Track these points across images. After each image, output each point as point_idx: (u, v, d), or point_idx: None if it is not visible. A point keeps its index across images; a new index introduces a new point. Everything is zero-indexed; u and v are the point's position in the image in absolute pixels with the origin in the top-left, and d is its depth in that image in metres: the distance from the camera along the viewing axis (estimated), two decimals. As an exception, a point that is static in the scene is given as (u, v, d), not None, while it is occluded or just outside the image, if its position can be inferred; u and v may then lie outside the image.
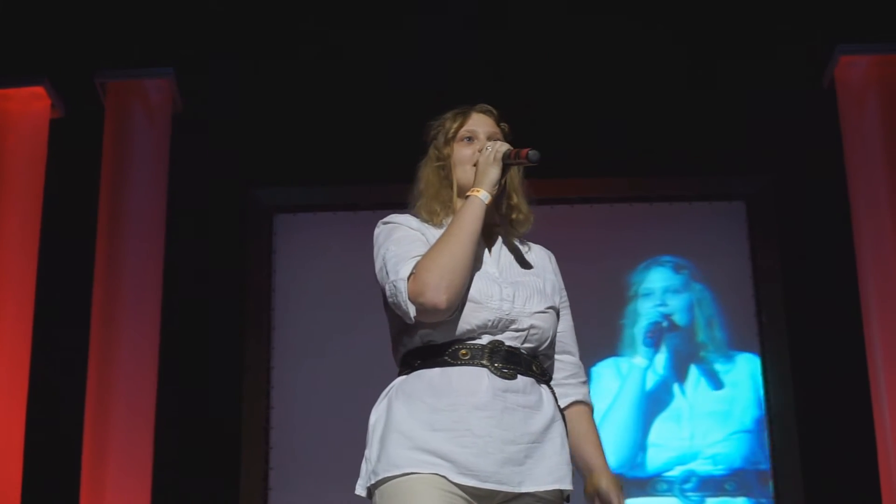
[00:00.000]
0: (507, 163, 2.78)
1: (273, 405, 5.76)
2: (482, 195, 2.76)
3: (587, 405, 2.90)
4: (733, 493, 5.61)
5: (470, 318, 2.72)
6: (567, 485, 2.72)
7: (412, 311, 2.68)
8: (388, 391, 2.81)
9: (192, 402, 5.50)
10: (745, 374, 5.79)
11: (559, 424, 2.76)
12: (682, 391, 5.72)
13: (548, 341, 2.80)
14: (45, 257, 5.35)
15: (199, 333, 5.59)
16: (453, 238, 2.72)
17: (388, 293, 2.76)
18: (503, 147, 2.80)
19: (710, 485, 5.62)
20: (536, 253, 2.97)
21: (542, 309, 2.79)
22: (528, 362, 2.75)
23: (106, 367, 5.26)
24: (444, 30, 5.44)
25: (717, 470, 5.63)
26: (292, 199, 5.98)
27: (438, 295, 2.64)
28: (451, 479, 2.61)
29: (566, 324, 2.95)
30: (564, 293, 2.98)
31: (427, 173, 2.96)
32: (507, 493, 2.65)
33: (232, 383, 5.67)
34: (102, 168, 5.51)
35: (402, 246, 2.80)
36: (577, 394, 2.89)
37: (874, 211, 5.34)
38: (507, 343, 2.73)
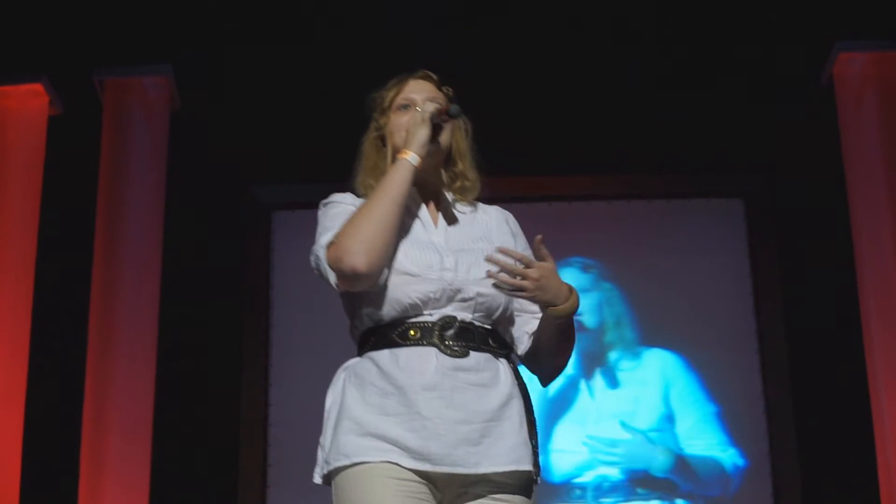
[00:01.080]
0: (435, 122, 2.72)
1: (271, 402, 5.76)
2: (410, 157, 2.69)
3: None
4: (646, 497, 5.59)
5: (409, 292, 2.65)
6: (526, 465, 2.63)
7: (332, 277, 2.65)
8: (342, 371, 2.76)
9: (191, 400, 5.49)
10: (654, 372, 5.77)
11: (517, 401, 2.67)
12: (591, 392, 5.71)
13: (500, 309, 2.71)
14: (43, 255, 5.33)
15: (198, 330, 5.58)
16: (374, 201, 2.66)
17: (312, 264, 2.72)
18: (431, 107, 2.75)
19: (622, 489, 5.59)
20: (492, 216, 2.89)
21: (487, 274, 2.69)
22: (484, 336, 2.68)
23: (104, 365, 5.25)
24: (439, 29, 5.44)
25: (625, 474, 5.60)
26: (291, 196, 5.94)
27: (356, 258, 2.57)
28: (403, 464, 2.56)
29: None
30: (529, 253, 2.83)
31: (366, 147, 2.94)
32: (466, 476, 2.58)
33: (230, 381, 5.66)
34: (101, 166, 5.50)
35: (332, 220, 2.76)
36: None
37: (873, 208, 5.34)
38: (459, 317, 2.65)
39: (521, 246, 2.86)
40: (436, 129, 2.74)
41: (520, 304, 2.79)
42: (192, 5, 5.53)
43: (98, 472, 5.13)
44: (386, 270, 2.65)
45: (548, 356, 2.79)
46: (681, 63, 5.59)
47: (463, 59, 5.35)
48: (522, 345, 2.81)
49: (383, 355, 2.64)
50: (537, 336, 2.79)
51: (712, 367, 5.76)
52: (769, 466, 5.64)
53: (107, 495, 5.10)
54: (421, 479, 2.57)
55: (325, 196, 6.12)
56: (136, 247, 5.41)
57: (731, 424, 5.72)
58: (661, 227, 5.87)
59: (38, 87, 5.41)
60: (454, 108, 2.71)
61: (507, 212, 2.93)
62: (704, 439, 5.70)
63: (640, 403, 5.69)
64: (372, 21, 5.58)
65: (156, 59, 5.55)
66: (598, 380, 5.72)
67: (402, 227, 2.72)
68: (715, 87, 5.59)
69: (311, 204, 5.93)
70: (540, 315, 2.78)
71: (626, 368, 5.73)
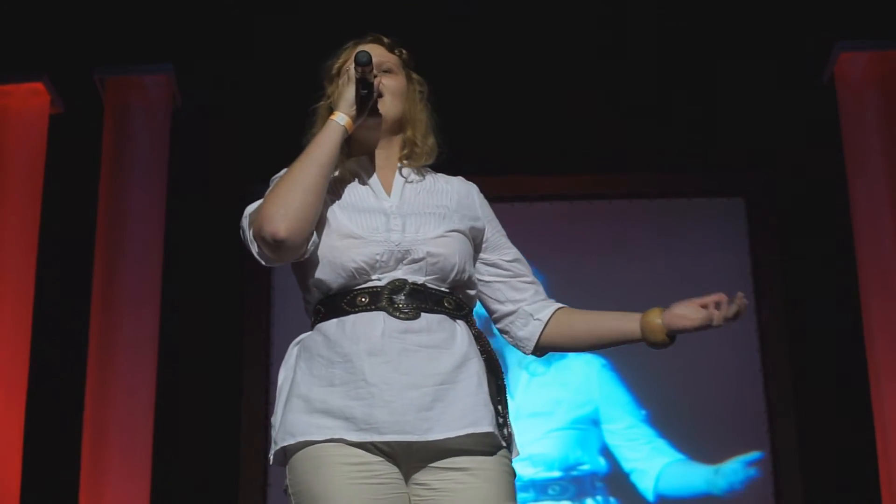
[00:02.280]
0: (360, 77, 2.58)
1: (272, 401, 5.68)
2: (337, 118, 2.59)
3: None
4: (556, 498, 5.60)
5: (354, 256, 2.53)
6: (485, 426, 2.47)
7: (254, 248, 2.54)
8: (294, 346, 2.64)
9: (191, 400, 5.49)
10: (579, 372, 5.80)
11: (475, 362, 2.53)
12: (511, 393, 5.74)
13: (455, 269, 2.59)
14: (45, 253, 5.34)
15: (199, 329, 5.58)
16: (297, 164, 2.56)
17: (241, 237, 2.63)
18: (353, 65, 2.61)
19: (534, 488, 5.60)
20: (454, 186, 2.76)
21: (439, 234, 2.59)
22: (439, 298, 2.55)
23: (105, 361, 5.26)
24: (441, 30, 5.41)
25: (540, 472, 5.60)
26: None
27: (275, 224, 2.44)
28: (348, 439, 2.42)
29: (512, 254, 2.76)
30: (497, 224, 2.77)
31: (317, 117, 2.80)
32: (422, 444, 2.44)
33: (231, 379, 5.66)
34: (102, 164, 5.50)
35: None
36: (552, 304, 2.73)
37: (874, 207, 5.34)
38: (411, 280, 2.53)
39: (482, 215, 2.75)
40: (367, 86, 2.60)
41: (494, 270, 2.74)
42: (193, 4, 5.52)
43: (99, 472, 5.13)
44: (315, 238, 2.53)
45: (562, 348, 2.75)
46: (682, 63, 5.60)
47: (463, 59, 5.37)
48: (523, 328, 2.73)
49: (331, 325, 2.53)
50: (574, 332, 2.71)
51: (712, 366, 5.77)
52: (770, 466, 5.64)
53: (107, 496, 5.10)
54: (374, 457, 2.45)
55: None
56: (137, 245, 5.40)
57: (725, 425, 5.73)
58: (662, 226, 5.86)
59: (38, 86, 5.41)
60: (359, 54, 2.57)
61: (472, 184, 2.81)
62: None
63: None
64: (373, 20, 5.55)
65: (157, 57, 5.54)
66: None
67: (348, 194, 2.64)
68: (716, 86, 5.59)
69: None
70: (524, 279, 2.74)
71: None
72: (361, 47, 2.72)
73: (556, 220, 5.75)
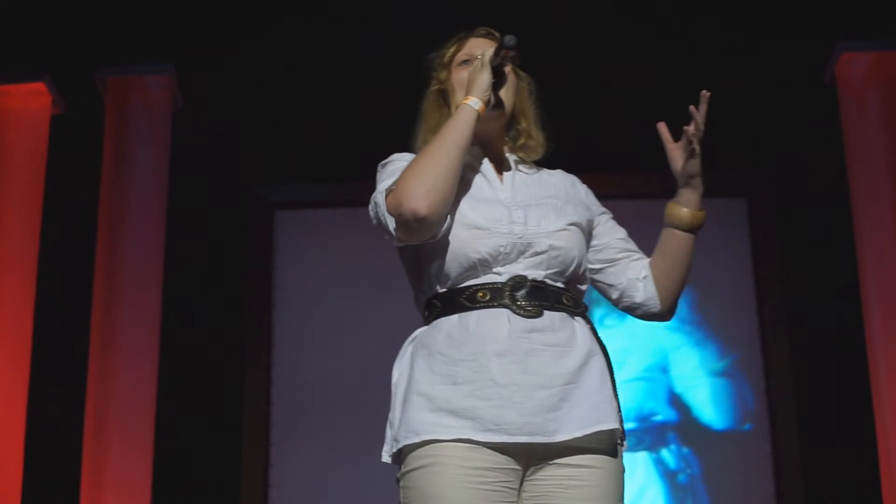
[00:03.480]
0: (494, 64, 2.61)
1: (273, 401, 5.75)
2: (472, 101, 2.58)
3: None
4: (633, 448, 5.64)
5: (478, 247, 2.52)
6: (611, 423, 2.48)
7: (391, 223, 2.52)
8: (409, 343, 2.62)
9: (192, 400, 5.50)
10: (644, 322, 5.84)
11: (598, 359, 2.54)
12: None
13: (574, 263, 2.59)
14: (46, 253, 5.35)
15: (200, 329, 5.59)
16: (435, 144, 2.54)
17: (370, 213, 2.62)
18: (490, 50, 2.63)
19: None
20: (557, 177, 2.79)
21: (561, 227, 2.59)
22: (557, 295, 2.55)
23: (106, 360, 5.27)
24: (445, 27, 5.42)
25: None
26: (293, 195, 5.97)
27: (417, 201, 2.44)
28: (475, 439, 2.42)
29: (619, 232, 2.79)
30: (601, 208, 2.80)
31: (426, 105, 2.82)
32: (547, 445, 2.45)
33: (233, 380, 5.66)
34: (103, 164, 5.51)
35: (391, 175, 2.63)
36: (641, 257, 2.78)
37: (875, 208, 5.34)
38: (531, 276, 2.52)
39: (590, 202, 2.80)
40: (498, 75, 2.63)
41: (605, 254, 2.75)
42: (195, 4, 5.54)
43: (99, 472, 5.14)
44: (449, 220, 2.52)
45: (671, 289, 2.75)
46: (683, 63, 5.57)
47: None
48: (638, 293, 2.73)
49: (451, 321, 2.52)
50: (660, 268, 2.74)
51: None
52: (771, 466, 5.64)
53: (108, 496, 5.11)
54: (499, 459, 2.45)
55: (326, 193, 5.95)
56: (139, 245, 5.41)
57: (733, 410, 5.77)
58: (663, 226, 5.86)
59: (40, 87, 5.41)
60: (508, 38, 2.59)
61: (573, 175, 2.84)
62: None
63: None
64: (374, 20, 5.58)
65: (158, 57, 5.55)
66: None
67: (466, 184, 2.62)
68: (717, 85, 5.54)
69: (314, 203, 5.95)
70: (632, 256, 2.76)
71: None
72: (473, 41, 2.78)
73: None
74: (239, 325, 5.76)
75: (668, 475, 5.66)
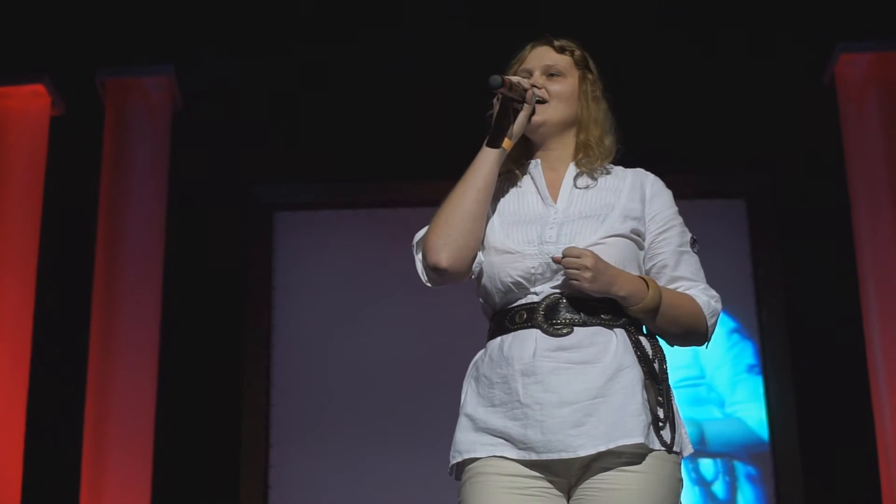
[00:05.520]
0: (501, 101, 2.65)
1: (273, 402, 5.75)
2: (489, 141, 2.66)
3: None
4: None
5: (510, 271, 2.58)
6: (635, 437, 2.47)
7: (423, 276, 2.65)
8: (472, 366, 2.70)
9: (192, 401, 5.51)
10: None
11: (630, 371, 2.52)
12: None
13: None
14: (45, 254, 5.36)
15: (200, 330, 5.59)
16: (453, 193, 2.63)
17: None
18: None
19: None
20: (627, 181, 2.73)
21: (594, 241, 2.58)
22: (594, 308, 2.56)
23: (106, 361, 5.29)
24: (442, 28, 5.42)
25: None
26: (292, 196, 5.97)
27: (437, 254, 2.57)
28: (509, 456, 2.51)
29: (670, 246, 2.68)
30: (664, 214, 2.69)
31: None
32: (583, 459, 2.48)
33: (232, 380, 5.66)
34: (102, 165, 5.53)
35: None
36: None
37: (874, 208, 5.36)
38: (566, 293, 2.55)
39: (655, 208, 2.71)
40: (511, 106, 2.65)
41: (648, 265, 2.67)
42: (194, 6, 5.55)
43: (99, 473, 5.16)
44: (489, 259, 2.62)
45: (676, 339, 2.69)
46: (682, 63, 5.60)
47: (460, 62, 5.34)
48: None
49: (495, 343, 2.60)
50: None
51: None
52: (771, 467, 5.63)
53: (108, 497, 5.12)
54: (535, 471, 2.52)
55: (325, 194, 5.97)
56: (138, 247, 5.44)
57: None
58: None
59: (39, 88, 5.43)
60: (490, 79, 2.61)
61: (647, 174, 2.78)
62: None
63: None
64: (374, 22, 5.58)
65: (158, 59, 5.57)
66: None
67: (513, 205, 2.68)
68: (717, 87, 5.60)
69: (313, 204, 5.95)
70: (667, 277, 2.67)
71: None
72: (534, 52, 2.79)
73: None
74: (238, 325, 5.75)
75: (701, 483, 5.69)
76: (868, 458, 5.19)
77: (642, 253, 2.67)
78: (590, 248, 2.54)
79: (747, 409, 5.70)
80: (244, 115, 5.68)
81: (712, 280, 5.66)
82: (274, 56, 5.67)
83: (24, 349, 5.20)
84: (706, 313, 2.66)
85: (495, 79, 2.60)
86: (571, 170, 2.72)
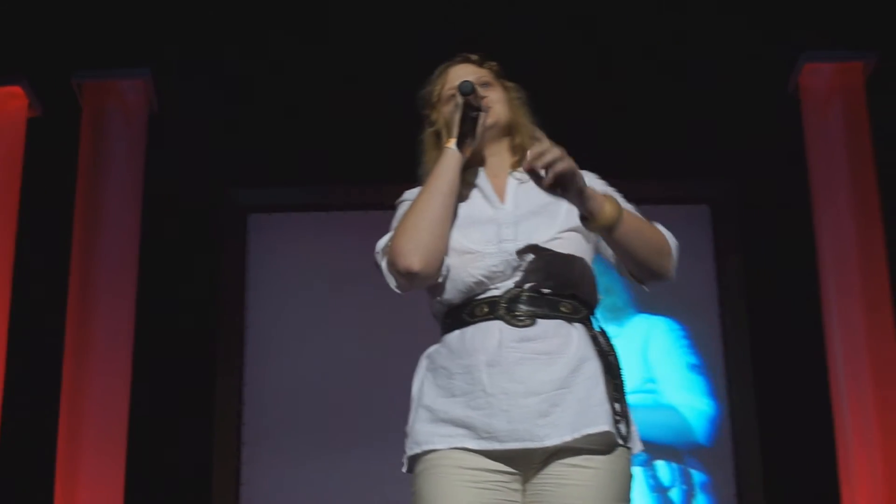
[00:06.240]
0: (463, 104, 2.68)
1: (245, 402, 5.75)
2: (452, 145, 2.68)
3: None
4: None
5: (472, 270, 2.61)
6: (600, 425, 2.51)
7: (392, 282, 2.65)
8: (424, 359, 2.72)
9: (165, 398, 5.49)
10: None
11: (591, 364, 2.56)
12: None
13: (569, 269, 2.64)
14: (21, 254, 5.32)
15: (174, 331, 5.57)
16: (421, 197, 2.65)
17: (377, 268, 2.71)
18: (460, 98, 2.69)
19: None
20: None
21: (552, 236, 2.63)
22: (554, 303, 2.60)
23: (80, 360, 5.26)
24: (419, 28, 5.39)
25: None
26: (266, 199, 5.99)
27: (408, 258, 2.57)
28: (470, 447, 2.52)
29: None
30: (600, 189, 2.66)
31: (426, 144, 2.86)
32: (545, 449, 2.50)
33: (205, 379, 5.67)
34: (79, 167, 5.49)
35: (396, 220, 2.74)
36: None
37: (836, 216, 5.37)
38: (527, 287, 2.59)
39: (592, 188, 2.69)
40: (475, 109, 2.69)
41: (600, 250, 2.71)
42: (171, 9, 5.53)
43: (72, 471, 5.13)
44: (447, 261, 2.62)
45: (640, 269, 2.66)
46: (649, 71, 5.61)
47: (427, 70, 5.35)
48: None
49: (454, 336, 2.62)
50: (615, 258, 2.69)
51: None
52: (733, 468, 5.67)
53: (81, 495, 5.11)
54: (493, 464, 2.53)
55: (298, 197, 5.96)
56: (114, 248, 5.40)
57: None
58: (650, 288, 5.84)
59: (17, 90, 5.39)
60: (462, 85, 2.67)
61: (590, 173, 2.77)
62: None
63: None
64: (345, 24, 5.58)
65: (134, 62, 5.54)
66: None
67: (466, 211, 2.69)
68: (683, 96, 5.61)
69: (286, 207, 5.96)
70: None
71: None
72: (454, 70, 2.84)
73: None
74: (212, 325, 5.76)
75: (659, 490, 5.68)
76: (828, 459, 5.19)
77: (591, 245, 2.72)
78: (547, 244, 2.60)
79: (689, 405, 5.73)
80: (218, 118, 5.65)
81: (677, 283, 5.63)
82: (248, 59, 5.66)
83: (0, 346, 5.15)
84: (668, 237, 2.69)
85: (468, 85, 2.65)
86: (511, 172, 2.78)
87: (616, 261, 2.72)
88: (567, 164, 2.46)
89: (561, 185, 2.47)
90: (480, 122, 2.70)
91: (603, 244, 2.71)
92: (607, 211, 2.52)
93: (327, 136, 5.65)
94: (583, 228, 2.63)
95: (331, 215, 5.90)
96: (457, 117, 2.68)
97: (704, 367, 5.78)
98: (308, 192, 5.96)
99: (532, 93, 2.94)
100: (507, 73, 2.93)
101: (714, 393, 5.76)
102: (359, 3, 5.55)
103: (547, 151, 2.45)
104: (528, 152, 2.47)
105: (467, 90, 2.65)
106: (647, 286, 2.73)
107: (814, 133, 5.49)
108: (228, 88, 5.68)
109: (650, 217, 2.73)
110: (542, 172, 2.46)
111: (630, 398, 2.63)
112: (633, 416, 2.64)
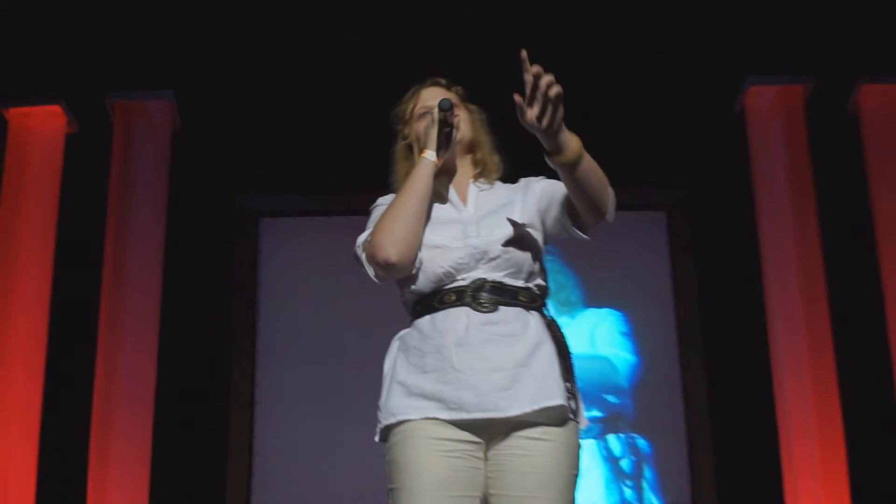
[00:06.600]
0: (441, 119, 2.85)
1: (257, 401, 5.92)
2: (428, 154, 2.85)
3: None
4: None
5: (441, 262, 2.78)
6: (556, 399, 2.67)
7: (371, 271, 2.81)
8: (396, 341, 2.88)
9: (185, 392, 5.67)
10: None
11: (547, 346, 2.74)
12: None
13: (527, 261, 2.82)
14: (60, 254, 5.50)
15: (194, 323, 5.74)
16: (399, 198, 2.80)
17: (355, 257, 2.88)
18: (436, 111, 2.88)
19: None
20: (516, 186, 2.98)
21: (509, 232, 2.81)
22: (514, 293, 2.78)
23: (111, 358, 5.42)
24: (424, 41, 5.52)
25: None
26: (276, 205, 6.14)
27: (387, 250, 2.72)
28: (441, 417, 2.68)
29: (555, 186, 2.87)
30: (539, 181, 2.91)
31: (397, 156, 3.04)
32: (507, 421, 2.67)
33: (222, 365, 5.86)
34: (111, 178, 5.66)
35: (373, 222, 2.90)
36: None
37: (778, 222, 5.56)
38: (490, 278, 2.77)
39: (540, 184, 2.93)
40: (449, 125, 2.86)
41: (557, 197, 2.85)
42: (193, 37, 5.68)
43: (103, 469, 5.31)
44: (420, 255, 2.78)
45: (586, 203, 2.77)
46: (607, 85, 5.65)
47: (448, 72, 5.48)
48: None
49: (424, 321, 2.80)
50: (572, 201, 2.79)
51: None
52: (686, 457, 5.85)
53: (111, 491, 5.30)
54: (461, 433, 2.69)
55: (306, 204, 6.12)
56: (141, 250, 5.58)
57: (647, 376, 5.94)
58: (590, 237, 5.95)
59: (56, 109, 5.59)
60: (442, 101, 2.84)
61: (529, 177, 3.00)
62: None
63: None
64: (357, 36, 5.70)
65: (160, 84, 5.71)
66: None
67: (435, 214, 2.87)
68: (643, 114, 5.75)
69: (294, 212, 6.25)
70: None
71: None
72: (426, 92, 3.03)
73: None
74: (228, 318, 5.93)
75: (611, 460, 5.85)
76: (771, 438, 5.37)
77: (542, 239, 2.91)
78: (506, 239, 2.81)
79: (616, 355, 5.92)
80: (234, 134, 5.80)
81: (635, 285, 5.58)
82: (259, 73, 5.78)
83: (39, 359, 5.34)
84: (607, 186, 2.82)
85: (447, 102, 2.85)
86: (472, 182, 3.01)
87: (562, 217, 2.84)
88: (556, 87, 2.55)
89: (553, 106, 2.54)
90: (453, 136, 2.90)
91: (552, 230, 2.90)
92: (574, 146, 2.65)
93: (331, 148, 5.81)
94: (535, 224, 2.86)
95: (333, 220, 6.06)
96: (434, 131, 2.86)
97: (654, 353, 5.96)
98: (313, 198, 6.12)
99: (491, 106, 3.15)
100: (470, 95, 3.09)
101: (666, 376, 5.95)
102: (367, 23, 5.60)
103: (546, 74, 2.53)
104: (532, 66, 2.53)
105: (447, 107, 2.84)
106: (589, 233, 2.86)
107: (758, 148, 5.69)
108: (244, 107, 5.84)
109: (614, 222, 2.92)
110: (539, 92, 2.53)
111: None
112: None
